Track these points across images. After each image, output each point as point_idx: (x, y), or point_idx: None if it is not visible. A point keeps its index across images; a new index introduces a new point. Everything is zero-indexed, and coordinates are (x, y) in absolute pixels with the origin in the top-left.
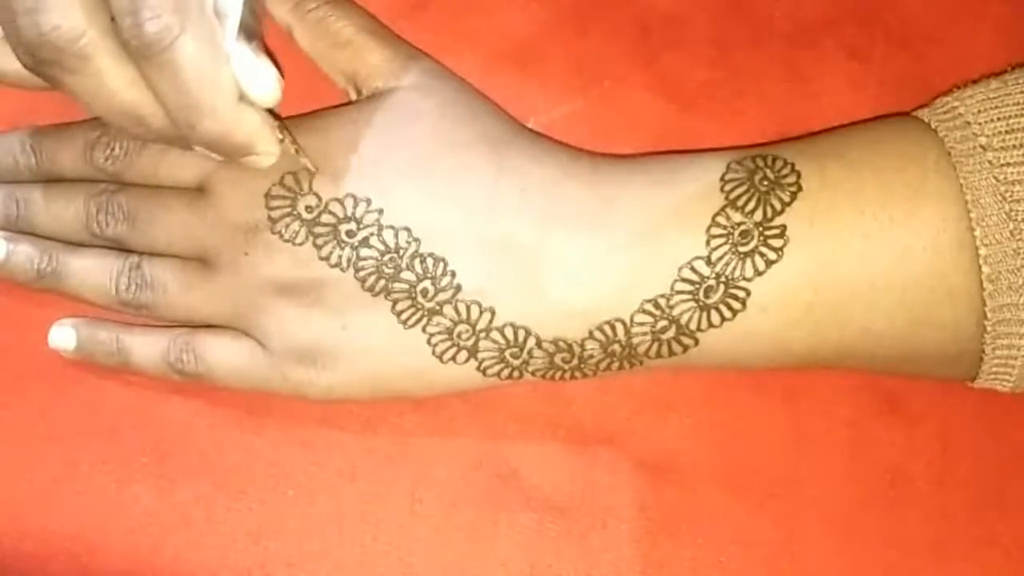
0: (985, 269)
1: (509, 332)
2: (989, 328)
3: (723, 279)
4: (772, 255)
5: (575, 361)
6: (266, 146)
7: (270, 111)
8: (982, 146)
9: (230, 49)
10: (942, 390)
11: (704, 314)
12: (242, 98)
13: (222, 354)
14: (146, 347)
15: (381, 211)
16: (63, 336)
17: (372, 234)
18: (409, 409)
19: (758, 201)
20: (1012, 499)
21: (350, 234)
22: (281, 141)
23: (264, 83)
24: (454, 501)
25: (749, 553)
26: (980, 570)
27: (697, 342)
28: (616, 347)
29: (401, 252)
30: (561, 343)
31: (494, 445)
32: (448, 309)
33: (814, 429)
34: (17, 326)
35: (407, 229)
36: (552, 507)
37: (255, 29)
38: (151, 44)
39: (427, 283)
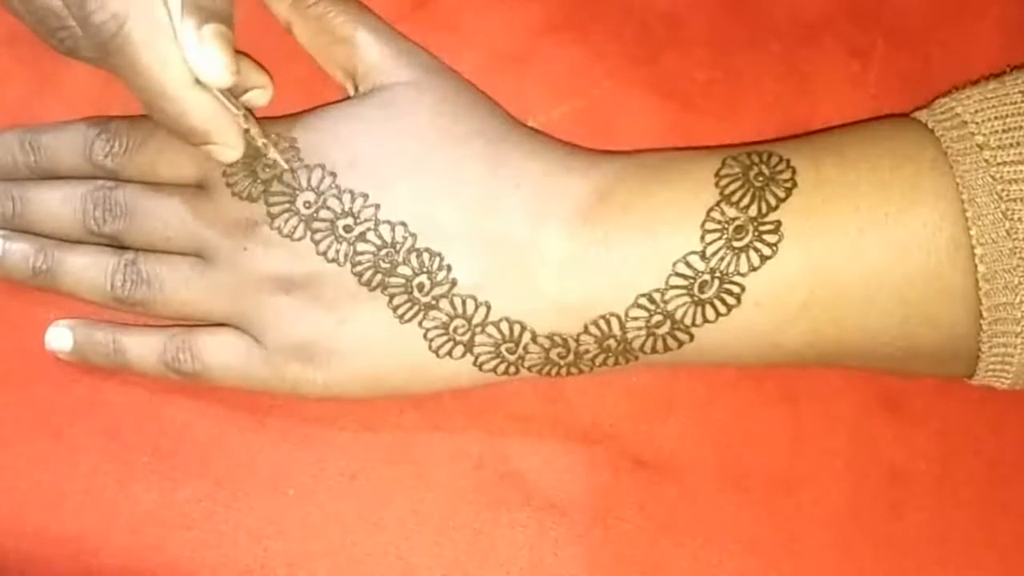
0: (981, 268)
1: (504, 327)
2: (985, 327)
3: (717, 274)
4: (767, 250)
5: (571, 356)
6: (225, 137)
7: (248, 109)
8: (979, 145)
9: (177, 31)
10: (942, 390)
11: (699, 309)
12: (198, 82)
13: (219, 352)
14: (143, 347)
15: (378, 206)
16: (59, 338)
17: (369, 229)
18: (409, 408)
19: (753, 196)
20: (1012, 499)
21: (347, 229)
22: (247, 132)
23: (210, 66)
24: (454, 501)
25: (749, 553)
26: (980, 570)
27: (692, 337)
28: (611, 342)
29: (397, 247)
30: (556, 338)
31: (494, 445)
32: (444, 304)
33: (814, 429)
34: (17, 326)
35: (403, 224)
36: (552, 507)
37: (214, 11)
38: (99, 33)
39: (423, 278)
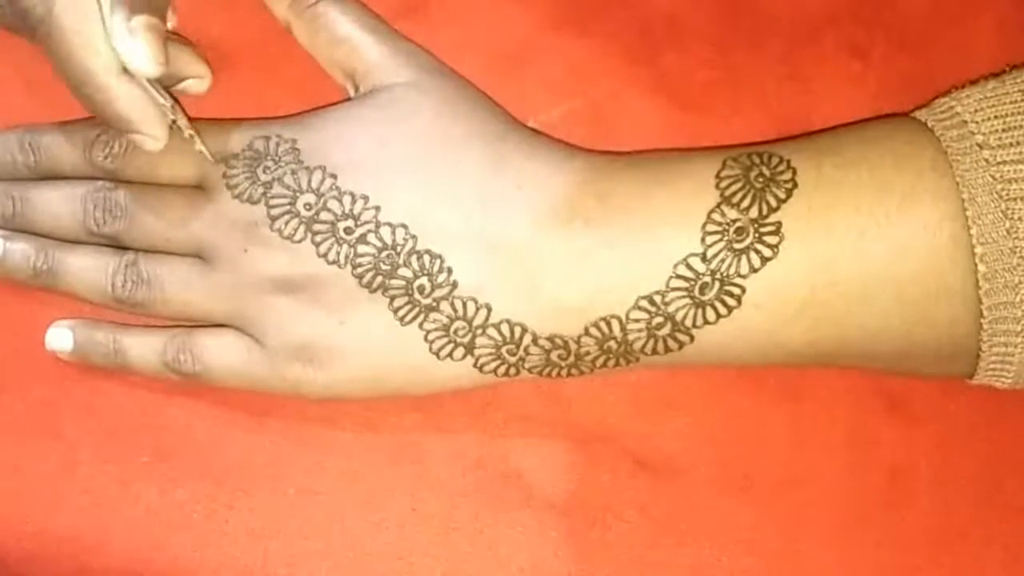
0: (981, 267)
1: (505, 329)
2: (985, 326)
3: (718, 276)
4: (767, 252)
5: (571, 358)
6: (150, 127)
7: (174, 98)
8: (978, 144)
9: (106, 21)
10: (942, 390)
11: (699, 311)
12: (126, 71)
13: (219, 353)
14: (143, 347)
15: (378, 208)
16: (60, 338)
17: (369, 231)
18: (410, 408)
19: (754, 198)
20: (1012, 499)
21: (348, 231)
22: (173, 123)
23: (138, 57)
24: (454, 501)
25: (749, 553)
26: (980, 570)
27: (693, 339)
28: (612, 344)
29: (398, 249)
30: (557, 340)
31: (495, 445)
32: (445, 306)
33: (814, 429)
34: (17, 326)
35: (404, 226)
36: (552, 507)
37: (146, 1)
38: (27, 16)
39: (424, 280)
